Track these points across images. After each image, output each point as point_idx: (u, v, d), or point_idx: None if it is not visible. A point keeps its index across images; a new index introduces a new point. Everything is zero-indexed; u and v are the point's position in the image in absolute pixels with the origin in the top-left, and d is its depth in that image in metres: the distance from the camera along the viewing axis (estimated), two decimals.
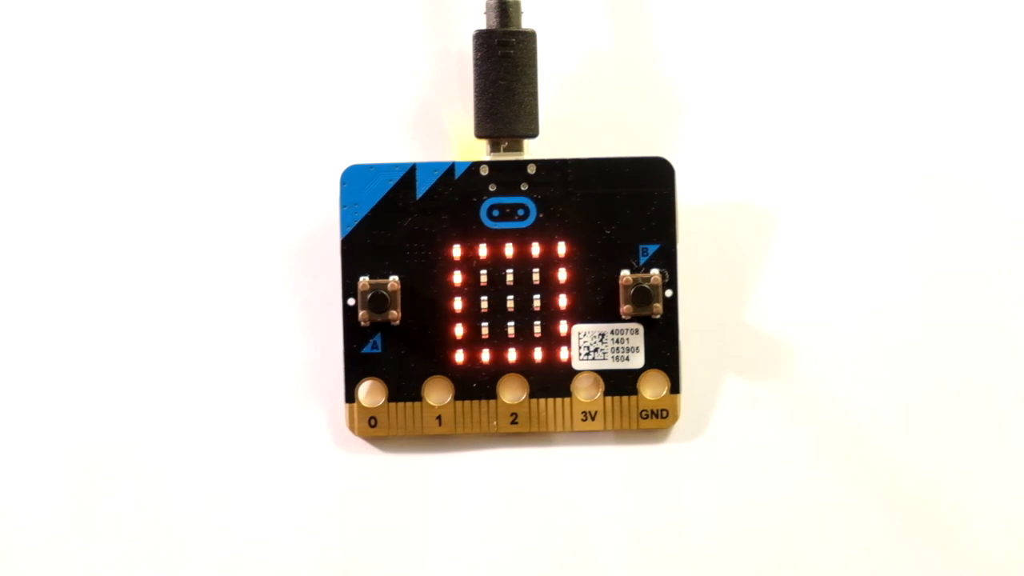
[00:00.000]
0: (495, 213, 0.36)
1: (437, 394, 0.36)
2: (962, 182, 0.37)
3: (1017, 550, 0.37)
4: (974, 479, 0.37)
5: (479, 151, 0.36)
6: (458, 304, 0.35)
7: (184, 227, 0.36)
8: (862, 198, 0.37)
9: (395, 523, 0.36)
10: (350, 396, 0.36)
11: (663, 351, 0.36)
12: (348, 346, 0.35)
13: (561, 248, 0.36)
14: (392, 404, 0.36)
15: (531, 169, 0.36)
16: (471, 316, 0.35)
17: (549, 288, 0.36)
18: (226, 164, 0.37)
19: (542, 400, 0.36)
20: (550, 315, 0.36)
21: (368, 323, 0.35)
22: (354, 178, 0.35)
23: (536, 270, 0.36)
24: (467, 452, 0.36)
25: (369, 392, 0.36)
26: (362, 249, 0.35)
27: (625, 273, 0.35)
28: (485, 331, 0.36)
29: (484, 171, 0.35)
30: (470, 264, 0.36)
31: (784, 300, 0.37)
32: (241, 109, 0.37)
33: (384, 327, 0.35)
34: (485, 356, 0.36)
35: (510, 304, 0.36)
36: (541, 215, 0.36)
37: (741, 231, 0.37)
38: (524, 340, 0.36)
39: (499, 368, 0.36)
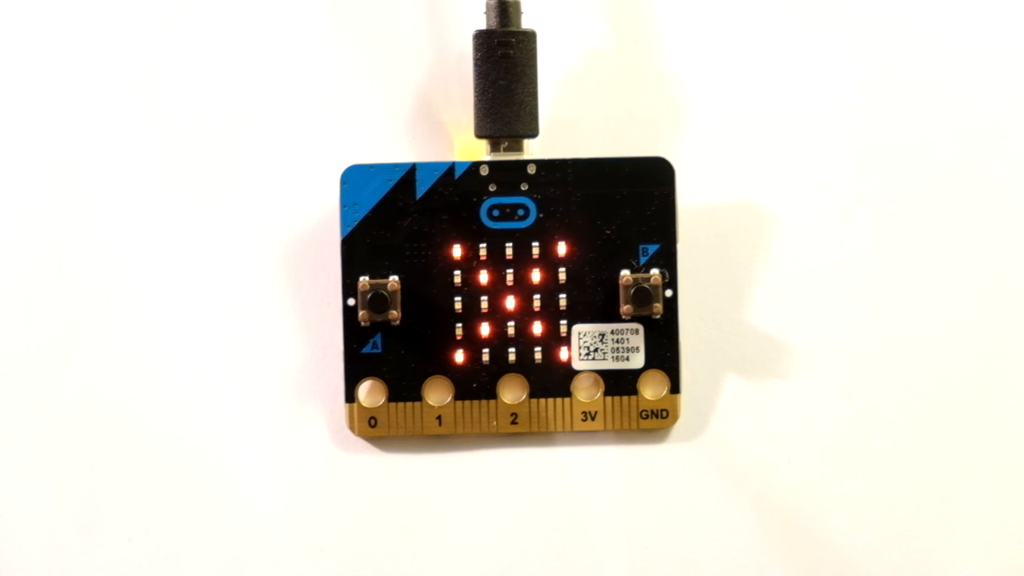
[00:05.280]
0: (495, 213, 0.36)
1: (437, 394, 0.36)
2: (962, 182, 0.37)
3: (1019, 550, 0.37)
4: (976, 478, 0.37)
5: (479, 151, 0.36)
6: (458, 304, 0.35)
7: (184, 227, 0.36)
8: (862, 198, 0.37)
9: (395, 523, 0.36)
10: (350, 396, 0.36)
11: (663, 351, 0.36)
12: (348, 346, 0.35)
13: (561, 248, 0.36)
14: (392, 404, 0.36)
15: (531, 169, 0.36)
16: (471, 316, 0.35)
17: (549, 288, 0.36)
18: (226, 164, 0.37)
19: (542, 400, 0.36)
20: (550, 315, 0.36)
21: (368, 323, 0.35)
22: (354, 178, 0.35)
23: (536, 270, 0.36)
24: (467, 452, 0.36)
25: (369, 392, 0.36)
26: (362, 249, 0.35)
27: (625, 273, 0.35)
28: (485, 331, 0.36)
29: (484, 171, 0.35)
30: (470, 264, 0.36)
31: (784, 300, 0.37)
32: (241, 109, 0.37)
33: (384, 327, 0.35)
34: (485, 356, 0.36)
35: (510, 304, 0.36)
36: (541, 215, 0.36)
37: (741, 231, 0.37)
38: (524, 340, 0.36)
39: (499, 368, 0.36)
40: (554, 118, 0.37)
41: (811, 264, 0.37)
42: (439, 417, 0.36)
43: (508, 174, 0.36)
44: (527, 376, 0.36)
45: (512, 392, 0.36)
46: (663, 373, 0.36)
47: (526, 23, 0.35)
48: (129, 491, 0.36)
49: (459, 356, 0.36)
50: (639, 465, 0.37)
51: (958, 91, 0.37)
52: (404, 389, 0.36)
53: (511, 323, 0.36)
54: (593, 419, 0.36)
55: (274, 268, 0.36)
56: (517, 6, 0.35)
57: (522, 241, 0.36)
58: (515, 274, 0.36)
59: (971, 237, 0.37)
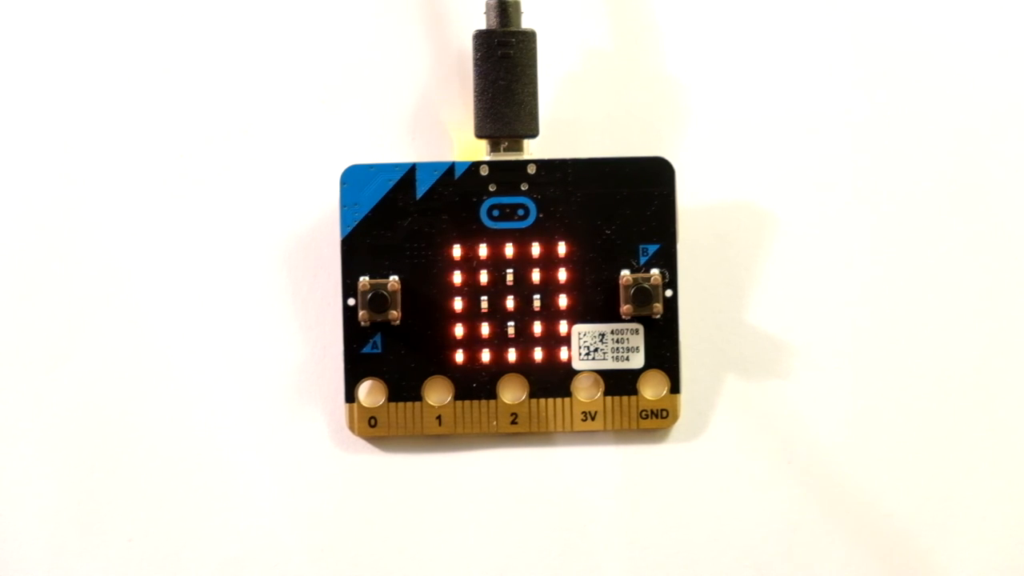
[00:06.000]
0: (495, 213, 0.36)
1: (437, 394, 0.36)
2: (962, 182, 0.37)
3: (1019, 550, 0.37)
4: (976, 478, 0.37)
5: (479, 151, 0.36)
6: (458, 304, 0.35)
7: (184, 227, 0.36)
8: (862, 198, 0.37)
9: (395, 523, 0.36)
10: (350, 396, 0.36)
11: (663, 351, 0.36)
12: (348, 346, 0.35)
13: (561, 248, 0.36)
14: (392, 404, 0.36)
15: (531, 169, 0.36)
16: (471, 316, 0.35)
17: (549, 288, 0.36)
18: (226, 164, 0.37)
19: (542, 400, 0.36)
20: (550, 315, 0.36)
21: (368, 323, 0.35)
22: (354, 178, 0.35)
23: (536, 270, 0.36)
24: (467, 452, 0.36)
25: (369, 392, 0.36)
26: (362, 249, 0.35)
27: (625, 273, 0.35)
28: (485, 331, 0.36)
29: (484, 171, 0.35)
30: (470, 264, 0.36)
31: (784, 300, 0.37)
32: (241, 109, 0.37)
33: (384, 327, 0.35)
34: (485, 356, 0.36)
35: (510, 304, 0.36)
36: (541, 215, 0.36)
37: (741, 231, 0.37)
38: (524, 340, 0.36)
39: (499, 368, 0.36)
40: (554, 118, 0.37)
41: (811, 264, 0.37)
42: (439, 417, 0.36)
43: (508, 174, 0.36)
44: (527, 376, 0.36)
45: (512, 392, 0.36)
46: (663, 373, 0.36)
47: (526, 23, 0.35)
48: (129, 491, 0.36)
49: (459, 356, 0.35)
50: (639, 465, 0.37)
51: (958, 91, 0.37)
52: (404, 389, 0.36)
53: (511, 323, 0.36)
54: (593, 419, 0.36)
55: (274, 268, 0.36)
56: (517, 6, 0.35)
57: (522, 241, 0.36)
58: (515, 274, 0.36)
59: (971, 237, 0.37)
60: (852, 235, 0.37)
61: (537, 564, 0.36)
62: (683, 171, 0.36)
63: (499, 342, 0.36)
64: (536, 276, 0.36)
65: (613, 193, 0.35)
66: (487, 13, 0.35)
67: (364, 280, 0.35)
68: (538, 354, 0.36)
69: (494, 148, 0.36)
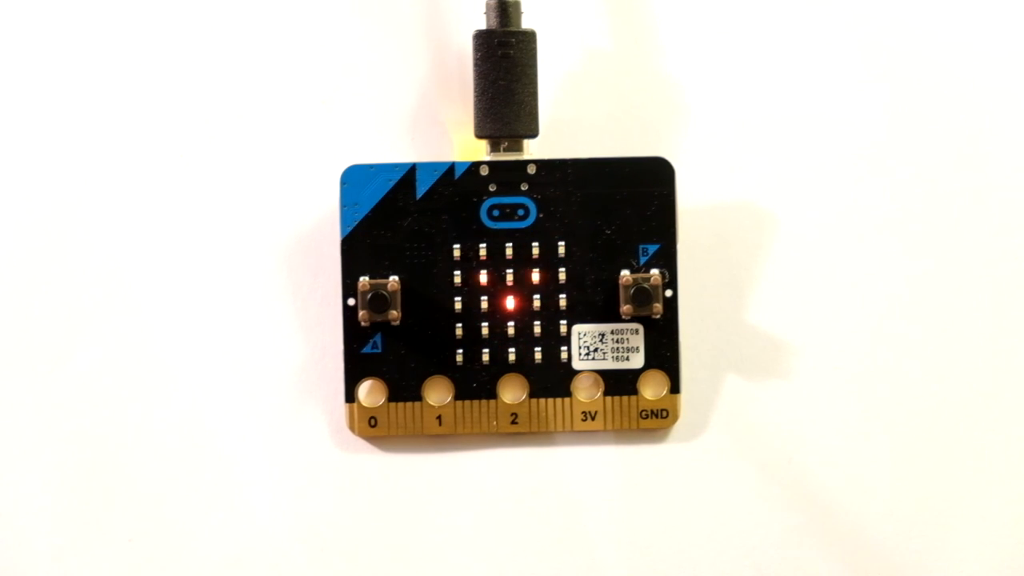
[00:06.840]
0: (495, 213, 0.36)
1: (437, 394, 0.36)
2: (962, 182, 0.37)
3: (1019, 550, 0.37)
4: (976, 478, 0.37)
5: (479, 151, 0.36)
6: (458, 304, 0.35)
7: (184, 227, 0.36)
8: (862, 198, 0.37)
9: (395, 523, 0.36)
10: (350, 396, 0.36)
11: (663, 351, 0.36)
12: (348, 346, 0.35)
13: (561, 248, 0.36)
14: (392, 404, 0.36)
15: (531, 169, 0.36)
16: (471, 316, 0.35)
17: (549, 288, 0.36)
18: (227, 164, 0.37)
19: (542, 400, 0.36)
20: (550, 315, 0.36)
21: (368, 323, 0.35)
22: (354, 178, 0.35)
23: (536, 270, 0.36)
24: (467, 452, 0.36)
25: (369, 392, 0.36)
26: (362, 249, 0.35)
27: (625, 273, 0.35)
28: (485, 331, 0.36)
29: (484, 171, 0.35)
30: (470, 264, 0.36)
31: (784, 300, 0.37)
32: (241, 109, 0.37)
33: (384, 327, 0.35)
34: (485, 356, 0.36)
35: (510, 304, 0.36)
36: (541, 215, 0.36)
37: (741, 231, 0.37)
38: (524, 340, 0.36)
39: (499, 368, 0.36)
40: (554, 118, 0.37)
41: (811, 264, 0.37)
42: (439, 417, 0.36)
43: (508, 174, 0.36)
44: (527, 376, 0.36)
45: (512, 392, 0.36)
46: (663, 373, 0.36)
47: (526, 23, 0.35)
48: (129, 491, 0.36)
49: (459, 356, 0.36)
50: (639, 465, 0.37)
51: (960, 91, 0.37)
52: (404, 389, 0.36)
53: (511, 323, 0.36)
54: (593, 419, 0.36)
55: (274, 268, 0.36)
56: (517, 6, 0.35)
57: (522, 241, 0.36)
58: (515, 274, 0.36)
59: (971, 236, 0.37)
60: (852, 235, 0.37)
61: (537, 564, 0.36)
62: (683, 171, 0.36)
63: (499, 342, 0.36)
64: (536, 276, 0.36)
65: (613, 193, 0.35)
66: (487, 13, 0.35)
67: (364, 280, 0.35)
68: (538, 354, 0.36)
69: (494, 148, 0.36)
